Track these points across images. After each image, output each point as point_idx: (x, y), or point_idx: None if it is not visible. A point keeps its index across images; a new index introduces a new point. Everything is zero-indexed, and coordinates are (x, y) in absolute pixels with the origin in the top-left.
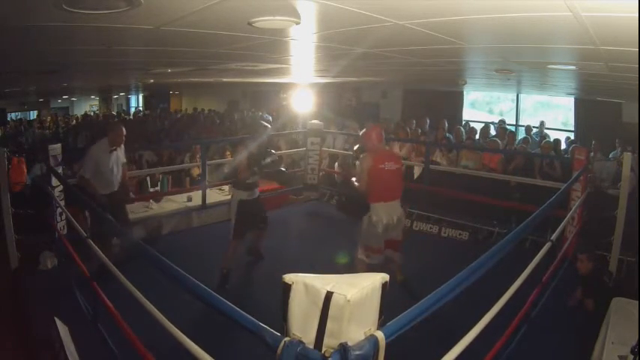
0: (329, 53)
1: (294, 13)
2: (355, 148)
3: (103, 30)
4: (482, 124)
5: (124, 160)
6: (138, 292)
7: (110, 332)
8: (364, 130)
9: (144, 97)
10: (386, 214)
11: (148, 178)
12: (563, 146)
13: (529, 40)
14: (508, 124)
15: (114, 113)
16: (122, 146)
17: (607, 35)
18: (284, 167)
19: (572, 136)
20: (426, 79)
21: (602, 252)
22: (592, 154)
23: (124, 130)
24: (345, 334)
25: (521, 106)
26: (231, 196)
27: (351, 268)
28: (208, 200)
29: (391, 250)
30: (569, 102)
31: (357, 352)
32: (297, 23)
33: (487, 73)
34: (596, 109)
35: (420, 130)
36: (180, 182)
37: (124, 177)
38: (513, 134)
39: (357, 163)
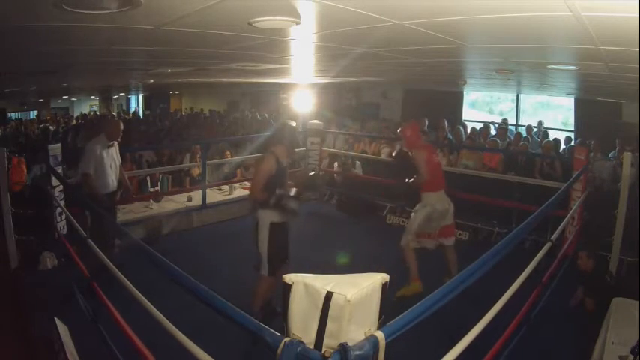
0: (329, 53)
1: (294, 13)
2: (394, 154)
3: (103, 30)
4: (482, 125)
5: (120, 161)
6: (138, 292)
7: (110, 332)
8: (403, 129)
9: (144, 97)
10: (441, 201)
11: (148, 178)
12: (562, 146)
13: (529, 40)
14: (508, 124)
15: (114, 113)
16: (117, 147)
17: (607, 35)
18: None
19: (570, 135)
20: (426, 79)
21: (602, 252)
22: (592, 154)
23: (121, 124)
24: (345, 334)
25: (521, 106)
26: (259, 219)
27: (351, 268)
28: (208, 200)
29: (444, 236)
30: (569, 102)
31: (357, 352)
32: (297, 23)
33: (487, 73)
34: (596, 109)
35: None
36: (180, 182)
37: (123, 176)
38: (520, 135)
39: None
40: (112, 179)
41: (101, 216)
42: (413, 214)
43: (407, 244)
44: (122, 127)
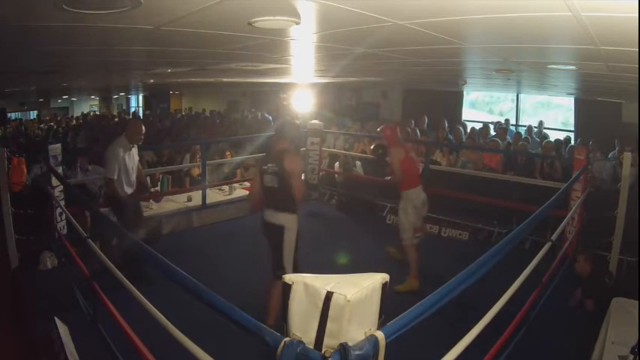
0: (329, 53)
1: (294, 13)
2: (372, 147)
3: (103, 30)
4: (481, 125)
5: (137, 158)
6: (138, 292)
7: (110, 332)
8: (383, 128)
9: (144, 97)
10: (419, 197)
11: (148, 178)
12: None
13: (529, 40)
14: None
15: (114, 113)
16: (136, 146)
17: (607, 35)
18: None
19: (570, 135)
20: (426, 79)
21: (602, 252)
22: (591, 154)
23: (142, 126)
24: (345, 334)
25: (521, 106)
26: (287, 222)
27: (351, 268)
28: (208, 200)
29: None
30: (569, 102)
31: (357, 352)
32: (297, 23)
33: (487, 73)
34: (596, 109)
35: (418, 130)
36: (180, 182)
37: (142, 175)
38: (519, 135)
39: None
40: (133, 180)
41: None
42: (400, 214)
43: (410, 242)
44: (143, 128)
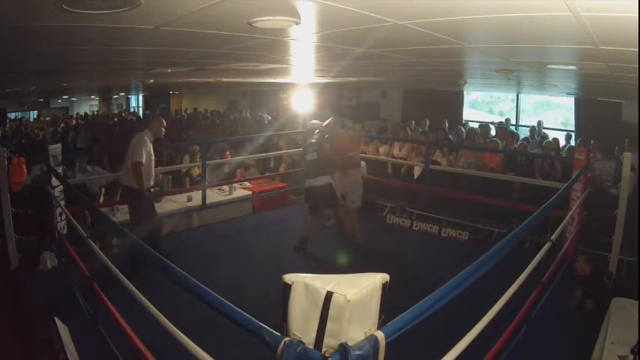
0: (329, 53)
1: (294, 13)
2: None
3: (103, 30)
4: (480, 124)
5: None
6: (138, 292)
7: (110, 332)
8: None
9: (144, 97)
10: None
11: None
12: (562, 143)
13: (529, 40)
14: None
15: (114, 113)
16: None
17: (607, 35)
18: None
19: (571, 133)
20: (426, 79)
21: (602, 252)
22: (591, 154)
23: (164, 122)
24: (345, 334)
25: (522, 106)
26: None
27: (351, 268)
28: (208, 200)
29: None
30: (569, 102)
31: (357, 352)
32: (297, 23)
33: (487, 73)
34: (596, 109)
35: (420, 130)
36: (180, 182)
37: (157, 172)
38: (513, 134)
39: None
40: (153, 173)
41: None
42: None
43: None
44: (165, 124)
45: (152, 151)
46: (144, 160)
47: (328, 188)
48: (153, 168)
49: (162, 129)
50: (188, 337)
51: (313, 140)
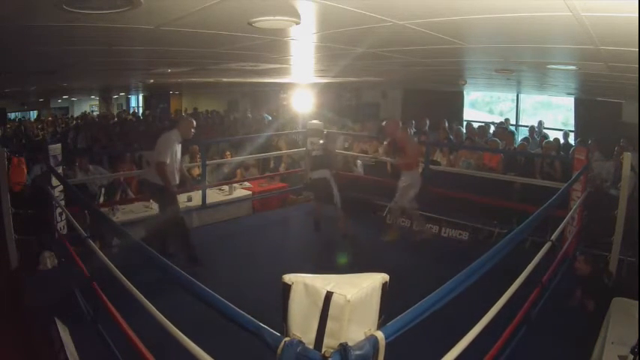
0: (329, 53)
1: (294, 13)
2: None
3: (103, 30)
4: (480, 124)
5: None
6: (138, 292)
7: (110, 332)
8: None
9: (144, 97)
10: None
11: None
12: (561, 141)
13: (529, 40)
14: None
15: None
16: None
17: (607, 35)
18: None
19: (569, 132)
20: (426, 79)
21: (602, 252)
22: (590, 153)
23: (194, 122)
24: (345, 334)
25: (521, 106)
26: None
27: (351, 268)
28: (208, 200)
29: None
30: (569, 102)
31: (357, 352)
32: (297, 23)
33: (487, 73)
34: (596, 109)
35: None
36: (180, 182)
37: (183, 169)
38: (513, 134)
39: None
40: (178, 172)
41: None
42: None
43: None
44: (195, 124)
45: (179, 151)
46: (168, 161)
47: (324, 181)
48: (177, 168)
49: (192, 130)
50: (188, 337)
51: (321, 141)
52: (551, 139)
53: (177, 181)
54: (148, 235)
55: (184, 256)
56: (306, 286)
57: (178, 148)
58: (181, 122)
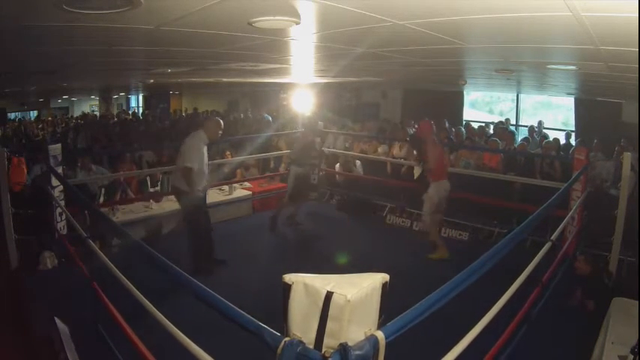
0: (329, 53)
1: (294, 13)
2: (409, 137)
3: (103, 30)
4: (480, 124)
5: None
6: (138, 293)
7: (110, 332)
8: (419, 124)
9: (144, 97)
10: (447, 187)
11: (148, 178)
12: (562, 141)
13: (529, 40)
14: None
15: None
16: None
17: (607, 35)
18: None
19: (571, 132)
20: (426, 79)
21: (602, 252)
22: (592, 153)
23: (221, 123)
24: (345, 334)
25: (521, 106)
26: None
27: (351, 268)
28: (208, 200)
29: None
30: (569, 102)
31: (357, 352)
32: (297, 23)
33: (487, 73)
34: (596, 109)
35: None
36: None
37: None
38: (512, 134)
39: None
40: (207, 174)
41: (100, 214)
42: (426, 200)
43: (431, 222)
44: (222, 125)
45: (206, 153)
46: (195, 167)
47: (303, 176)
48: (206, 171)
49: (220, 131)
50: (188, 337)
51: (301, 130)
52: (551, 139)
53: (205, 184)
54: (189, 246)
55: (192, 264)
56: (306, 286)
57: (205, 150)
58: (207, 123)
